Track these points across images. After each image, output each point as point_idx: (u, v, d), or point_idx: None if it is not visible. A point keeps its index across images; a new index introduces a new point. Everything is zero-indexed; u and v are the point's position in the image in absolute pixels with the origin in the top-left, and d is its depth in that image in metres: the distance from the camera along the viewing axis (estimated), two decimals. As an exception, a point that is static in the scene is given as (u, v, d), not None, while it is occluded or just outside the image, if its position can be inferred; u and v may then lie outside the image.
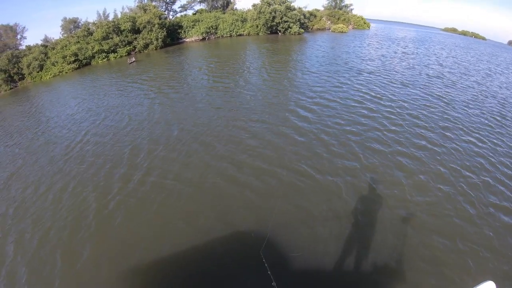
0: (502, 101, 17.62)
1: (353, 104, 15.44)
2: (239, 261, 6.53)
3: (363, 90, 17.77)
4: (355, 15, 58.53)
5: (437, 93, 17.71)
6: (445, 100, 16.52)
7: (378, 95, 16.74)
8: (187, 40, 42.57)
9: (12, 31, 48.02)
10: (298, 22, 45.29)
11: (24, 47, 46.28)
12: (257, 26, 44.58)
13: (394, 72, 22.63)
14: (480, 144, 11.70)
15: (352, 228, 7.17)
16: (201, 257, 6.78)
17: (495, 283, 2.09)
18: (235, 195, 8.57)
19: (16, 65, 37.34)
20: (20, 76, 37.70)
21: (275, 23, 44.29)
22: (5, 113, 24.07)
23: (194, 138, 12.30)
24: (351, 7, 59.74)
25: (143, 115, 15.87)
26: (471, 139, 12.02)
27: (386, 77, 21.00)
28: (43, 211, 9.09)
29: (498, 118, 14.67)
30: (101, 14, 46.36)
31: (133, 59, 33.47)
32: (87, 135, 14.37)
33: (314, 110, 14.45)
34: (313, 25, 52.10)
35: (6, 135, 17.52)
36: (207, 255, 6.78)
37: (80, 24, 44.54)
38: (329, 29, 51.91)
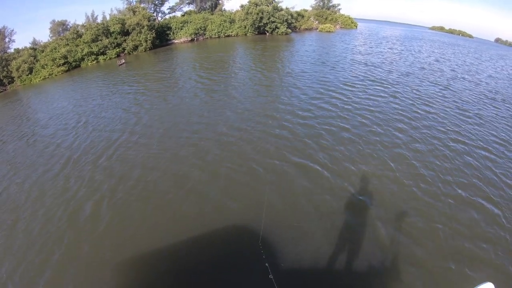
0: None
1: (339, 96, 15.92)
2: (237, 253, 6.53)
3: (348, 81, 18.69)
4: (342, 14, 59.73)
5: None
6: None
7: (362, 88, 17.41)
8: (176, 41, 43.12)
9: (0, 34, 47.94)
10: (286, 23, 46.18)
11: (12, 50, 46.41)
12: (245, 27, 45.37)
13: (379, 67, 23.58)
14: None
15: (344, 223, 7.16)
16: (199, 249, 6.78)
17: (494, 284, 2.05)
18: (235, 187, 8.66)
19: (5, 68, 37.51)
20: (9, 79, 37.86)
21: (262, 24, 45.11)
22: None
23: (186, 138, 12.26)
24: (339, 7, 61.04)
25: (132, 116, 16.06)
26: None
27: (374, 69, 21.94)
28: (32, 209, 9.29)
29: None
30: (90, 16, 46.64)
31: (123, 60, 33.96)
32: (77, 138, 14.43)
33: (310, 109, 14.30)
34: (301, 25, 53.10)
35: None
36: (205, 248, 6.79)
37: (68, 26, 44.71)
38: (317, 29, 52.98)
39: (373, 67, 23.62)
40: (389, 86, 18.06)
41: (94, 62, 37.25)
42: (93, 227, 7.81)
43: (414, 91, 17.43)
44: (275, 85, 18.94)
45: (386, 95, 16.33)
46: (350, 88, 17.39)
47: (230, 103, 15.97)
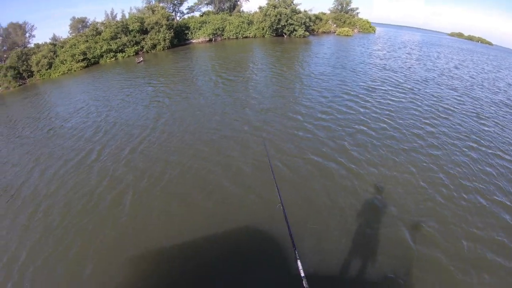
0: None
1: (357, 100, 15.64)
2: (262, 252, 6.36)
3: (363, 85, 18.33)
4: (360, 18, 58.75)
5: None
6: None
7: (381, 95, 16.74)
8: (194, 41, 43.00)
9: (21, 29, 48.77)
10: (304, 25, 45.59)
11: (32, 45, 47.15)
12: (263, 29, 44.97)
13: (396, 72, 22.82)
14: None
15: (363, 223, 7.00)
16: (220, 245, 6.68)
17: None
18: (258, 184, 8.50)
19: (25, 62, 37.99)
20: (29, 73, 38.34)
21: (280, 26, 44.63)
22: (15, 107, 24.54)
23: (207, 135, 12.10)
24: (357, 11, 59.98)
25: (153, 112, 15.88)
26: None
27: (390, 75, 21.16)
28: (52, 198, 9.18)
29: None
30: (109, 14, 47.05)
31: (141, 58, 33.91)
32: (99, 132, 14.29)
33: (327, 112, 14.06)
34: (319, 28, 52.42)
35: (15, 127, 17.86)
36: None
37: (88, 23, 45.21)
38: (335, 32, 52.25)
39: (391, 72, 23.07)
40: (407, 91, 17.67)
41: (112, 59, 37.37)
42: (114, 218, 7.74)
43: (432, 96, 16.95)
44: (295, 87, 18.56)
45: (404, 100, 15.94)
46: (369, 92, 17.05)
47: (250, 102, 15.74)
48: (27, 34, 49.34)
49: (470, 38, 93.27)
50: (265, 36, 45.36)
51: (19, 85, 37.26)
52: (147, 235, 7.09)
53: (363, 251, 6.28)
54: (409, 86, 18.88)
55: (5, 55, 44.96)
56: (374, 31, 59.46)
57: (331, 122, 12.62)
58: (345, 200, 7.77)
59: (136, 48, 38.64)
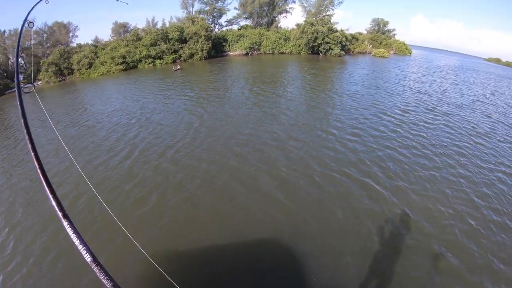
0: None
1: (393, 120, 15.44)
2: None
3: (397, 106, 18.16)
4: (397, 40, 57.54)
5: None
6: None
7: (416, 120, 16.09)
8: (231, 53, 43.25)
9: (65, 28, 51.07)
10: (340, 44, 44.98)
11: (75, 45, 49.18)
12: (299, 46, 44.69)
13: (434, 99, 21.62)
14: None
15: (391, 243, 6.87)
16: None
17: None
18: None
19: (66, 60, 39.33)
20: (69, 70, 39.59)
21: (316, 44, 44.21)
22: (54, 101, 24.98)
23: (244, 144, 12.16)
24: (394, 32, 58.96)
25: (192, 119, 15.87)
26: None
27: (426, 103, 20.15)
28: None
29: None
30: (150, 21, 48.50)
31: (178, 66, 34.16)
32: (140, 132, 14.22)
33: (357, 134, 13.73)
34: (355, 48, 51.66)
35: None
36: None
37: (129, 29, 46.74)
38: (370, 53, 51.33)
39: (426, 95, 22.28)
40: (441, 116, 17.18)
41: (150, 65, 37.95)
42: (138, 217, 7.78)
43: (466, 122, 16.38)
44: (329, 105, 18.50)
45: (437, 124, 15.48)
46: (403, 114, 16.79)
47: (282, 117, 15.75)
48: (71, 34, 51.57)
49: (508, 64, 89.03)
50: (301, 53, 45.00)
51: (59, 81, 38.44)
52: (169, 238, 7.09)
53: (382, 276, 6.09)
54: (443, 111, 18.16)
55: (48, 52, 47.09)
56: (410, 53, 57.94)
57: (362, 142, 12.46)
58: (371, 221, 7.59)
59: (174, 56, 39.16)
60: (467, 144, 12.84)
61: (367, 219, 7.60)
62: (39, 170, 1.34)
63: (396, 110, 17.45)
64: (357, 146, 11.89)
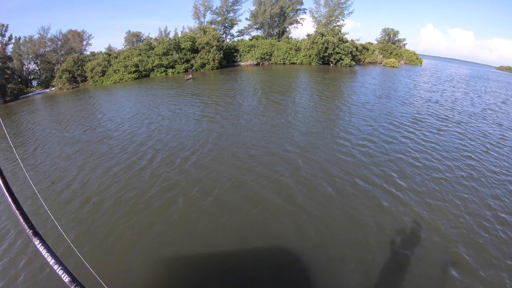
0: None
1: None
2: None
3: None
4: (407, 50, 57.27)
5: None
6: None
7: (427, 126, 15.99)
8: (242, 63, 43.54)
9: (79, 36, 52.21)
10: (350, 55, 44.94)
11: (88, 53, 50.16)
12: (310, 56, 44.77)
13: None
14: None
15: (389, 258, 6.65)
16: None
17: None
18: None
19: (80, 67, 40.01)
20: (82, 78, 40.25)
21: (327, 54, 44.27)
22: (68, 107, 25.27)
23: (259, 152, 12.23)
24: (404, 42, 58.74)
25: (201, 127, 16.04)
26: None
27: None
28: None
29: None
30: (162, 31, 49.29)
31: (190, 76, 34.37)
32: (153, 138, 13.99)
33: (367, 146, 13.48)
34: (365, 58, 51.56)
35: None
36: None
37: (142, 38, 47.54)
38: (381, 63, 51.14)
39: (437, 105, 22.03)
40: (452, 124, 17.09)
41: (163, 73, 38.32)
42: (163, 222, 7.80)
43: (477, 131, 16.19)
44: (340, 114, 18.56)
45: (450, 132, 15.43)
46: (416, 122, 16.86)
47: (296, 125, 15.90)
48: (84, 42, 52.67)
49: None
50: (312, 63, 45.04)
51: (72, 88, 39.04)
52: (189, 242, 7.11)
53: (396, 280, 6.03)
54: (454, 120, 17.92)
55: (61, 59, 48.10)
56: (421, 63, 57.53)
57: (374, 149, 12.47)
58: (386, 224, 7.61)
59: (186, 65, 39.53)
60: (479, 152, 12.80)
61: (382, 226, 7.60)
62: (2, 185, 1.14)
63: (409, 119, 17.39)
64: (372, 154, 11.95)
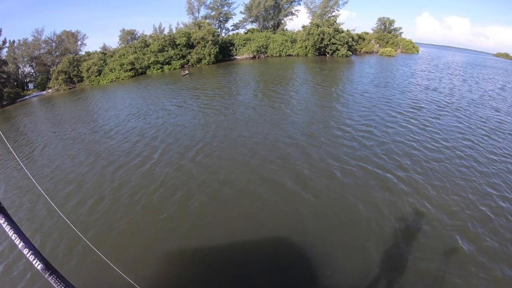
0: None
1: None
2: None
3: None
4: (404, 38, 56.94)
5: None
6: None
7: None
8: (238, 57, 43.30)
9: (73, 37, 51.80)
10: (346, 45, 44.76)
11: (83, 53, 49.82)
12: (306, 47, 44.56)
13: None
14: None
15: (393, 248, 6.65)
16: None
17: None
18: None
19: (75, 68, 39.77)
20: (78, 78, 40.04)
21: (323, 45, 44.05)
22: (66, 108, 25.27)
23: (265, 143, 12.27)
24: (400, 31, 58.42)
25: (205, 121, 16.00)
26: None
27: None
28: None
29: None
30: (157, 28, 48.89)
31: (187, 71, 34.22)
32: (158, 134, 14.27)
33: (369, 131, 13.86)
34: (361, 48, 51.32)
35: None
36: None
37: (137, 36, 47.21)
38: (377, 52, 50.94)
39: (436, 92, 22.23)
40: (451, 111, 17.28)
41: (159, 70, 38.14)
42: (180, 219, 7.83)
43: (477, 117, 16.36)
44: (342, 103, 18.69)
45: (449, 119, 15.53)
46: (414, 110, 16.90)
47: (297, 115, 15.89)
48: (79, 42, 52.24)
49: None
50: (308, 54, 44.85)
51: (69, 89, 38.83)
52: (208, 234, 7.20)
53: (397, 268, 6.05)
54: (453, 106, 18.13)
55: (57, 60, 47.77)
56: (418, 51, 57.25)
57: (376, 137, 12.54)
58: (389, 213, 7.65)
59: (182, 61, 39.33)
60: (477, 137, 12.96)
61: (386, 211, 7.68)
62: None
63: (407, 107, 17.52)
64: (372, 142, 12.06)
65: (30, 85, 47.63)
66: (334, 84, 24.72)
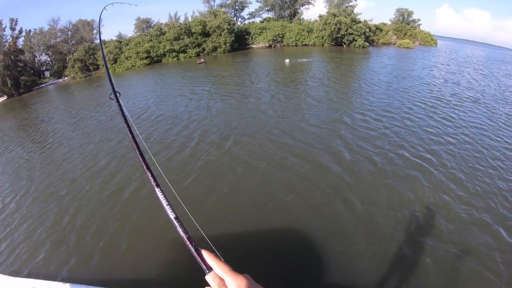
0: None
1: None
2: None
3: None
4: (422, 30, 54.89)
5: None
6: None
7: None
8: (254, 46, 42.67)
9: (89, 26, 52.04)
10: (363, 35, 43.47)
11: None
12: (322, 37, 43.50)
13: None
14: None
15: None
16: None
17: None
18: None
19: (91, 56, 40.10)
20: (94, 66, 40.41)
21: (340, 35, 42.90)
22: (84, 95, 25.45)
23: (274, 135, 12.08)
24: (419, 23, 56.40)
25: (212, 111, 15.87)
26: None
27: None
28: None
29: None
30: (172, 16, 48.58)
31: (202, 60, 34.00)
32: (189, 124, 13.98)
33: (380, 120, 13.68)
34: (379, 39, 49.82)
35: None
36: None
37: (152, 24, 47.06)
38: (395, 44, 49.44)
39: (457, 86, 21.45)
40: (475, 106, 16.54)
41: (174, 58, 38.00)
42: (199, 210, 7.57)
43: (500, 114, 15.48)
44: (363, 94, 18.30)
45: (476, 113, 15.01)
46: (439, 103, 16.50)
47: (315, 105, 15.79)
48: (95, 31, 52.66)
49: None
50: (324, 44, 43.80)
51: (85, 76, 39.24)
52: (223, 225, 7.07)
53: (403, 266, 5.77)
54: (477, 101, 17.54)
55: (73, 49, 48.20)
56: (436, 44, 55.15)
57: (397, 128, 12.36)
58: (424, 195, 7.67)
59: (197, 49, 39.05)
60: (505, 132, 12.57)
61: (422, 196, 7.62)
62: (138, 152, 1.49)
63: (432, 100, 16.98)
64: (401, 131, 11.97)
65: (47, 73, 48.24)
66: (354, 75, 24.16)
